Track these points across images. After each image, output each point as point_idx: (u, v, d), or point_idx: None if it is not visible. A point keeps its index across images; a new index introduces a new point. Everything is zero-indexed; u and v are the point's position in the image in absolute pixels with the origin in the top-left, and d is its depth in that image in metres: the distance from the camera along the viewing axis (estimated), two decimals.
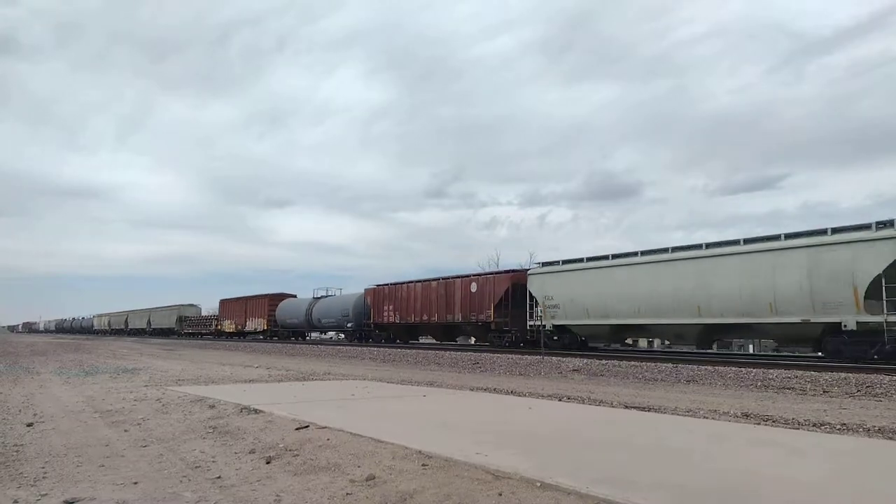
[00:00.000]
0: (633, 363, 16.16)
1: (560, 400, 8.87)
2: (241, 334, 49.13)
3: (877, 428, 6.50)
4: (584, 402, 8.56)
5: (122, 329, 76.83)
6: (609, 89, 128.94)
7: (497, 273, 27.03)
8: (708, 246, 18.54)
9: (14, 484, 4.15)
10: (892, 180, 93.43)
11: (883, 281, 14.46)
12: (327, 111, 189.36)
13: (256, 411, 7.06)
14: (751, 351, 21.81)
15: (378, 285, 33.78)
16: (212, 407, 7.59)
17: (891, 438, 5.92)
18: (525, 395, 9.48)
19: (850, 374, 12.32)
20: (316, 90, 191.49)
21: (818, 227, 16.22)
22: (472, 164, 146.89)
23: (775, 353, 21.43)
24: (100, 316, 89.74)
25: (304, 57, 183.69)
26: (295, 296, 45.73)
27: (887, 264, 14.45)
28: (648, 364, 15.73)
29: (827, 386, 11.40)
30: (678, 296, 18.60)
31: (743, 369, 13.95)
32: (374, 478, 4.03)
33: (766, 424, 6.67)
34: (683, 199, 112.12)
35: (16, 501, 3.75)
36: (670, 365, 15.29)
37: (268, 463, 4.61)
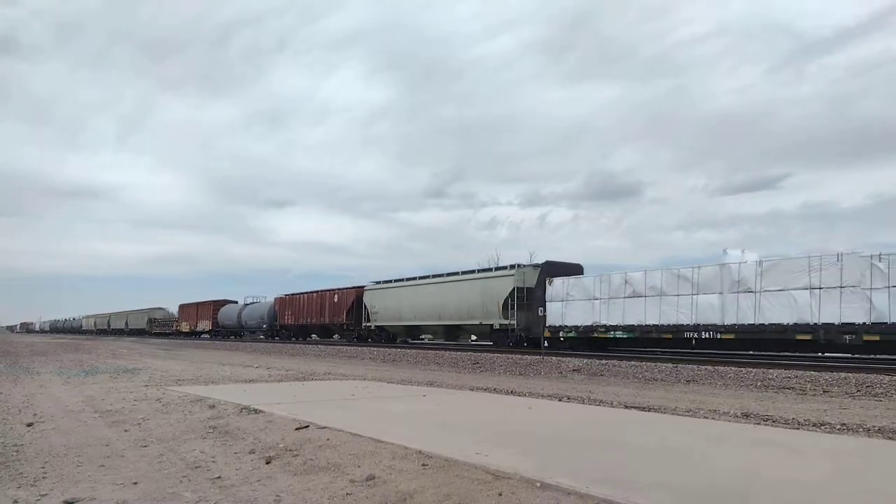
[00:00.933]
0: (633, 363, 16.16)
1: (560, 400, 8.87)
2: (194, 333, 56.99)
3: (877, 428, 6.50)
4: (584, 402, 8.56)
5: (106, 329, 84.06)
6: (610, 89, 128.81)
7: (349, 288, 36.50)
8: (447, 275, 29.81)
9: (14, 484, 4.15)
10: (893, 180, 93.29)
11: (508, 300, 24.89)
12: (327, 111, 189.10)
13: (256, 411, 7.06)
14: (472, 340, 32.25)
15: (284, 295, 43.53)
16: (212, 407, 7.59)
17: (891, 438, 5.92)
18: (525, 395, 9.48)
19: (850, 374, 12.32)
20: (316, 90, 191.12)
21: (493, 266, 30.57)
22: (472, 164, 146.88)
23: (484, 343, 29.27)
24: (87, 317, 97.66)
25: (304, 57, 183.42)
26: (236, 302, 54.42)
27: (510, 290, 24.90)
28: (648, 364, 15.73)
29: (827, 386, 11.40)
30: (432, 307, 29.86)
31: (743, 369, 13.95)
32: (374, 478, 4.04)
33: (766, 424, 6.67)
34: (684, 199, 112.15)
35: (16, 501, 3.75)
36: (670, 365, 15.29)
37: (268, 463, 4.61)
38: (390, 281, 33.42)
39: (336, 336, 38.36)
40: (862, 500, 3.57)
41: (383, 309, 32.79)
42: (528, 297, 24.28)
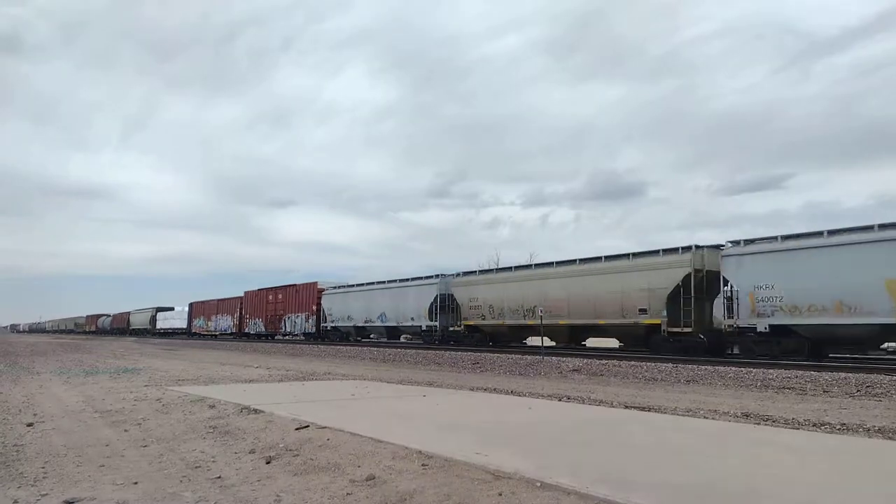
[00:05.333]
0: (633, 363, 16.15)
1: (560, 400, 8.87)
2: (92, 332, 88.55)
3: (877, 428, 6.50)
4: (584, 402, 8.56)
5: (57, 329, 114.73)
6: (615, 89, 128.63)
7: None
8: (151, 308, 69.76)
9: (14, 484, 4.15)
10: None
11: (150, 322, 68.11)
12: (332, 111, 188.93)
13: (256, 411, 7.06)
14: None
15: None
16: (212, 407, 7.59)
17: (891, 438, 5.92)
18: (525, 395, 9.48)
19: (850, 374, 12.32)
20: (321, 90, 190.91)
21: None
22: (475, 164, 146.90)
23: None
24: (49, 321, 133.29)
25: (309, 56, 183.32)
26: (108, 315, 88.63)
27: (149, 317, 68.80)
28: (648, 364, 15.72)
29: (827, 386, 11.40)
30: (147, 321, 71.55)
31: (743, 369, 13.94)
32: (374, 478, 4.04)
33: (766, 424, 6.66)
34: (686, 199, 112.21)
35: (16, 501, 3.75)
36: (670, 365, 15.28)
37: (268, 463, 4.61)
38: (146, 309, 68.01)
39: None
40: (862, 500, 3.57)
41: (138, 321, 67.27)
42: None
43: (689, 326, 18.36)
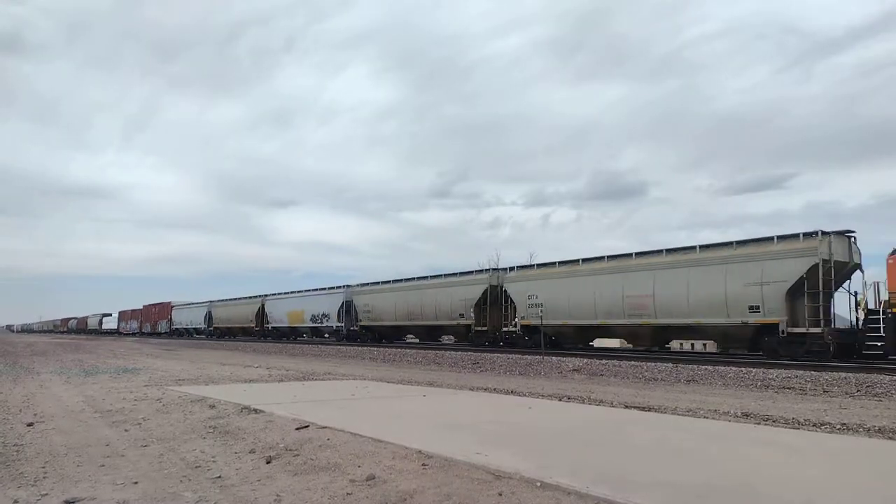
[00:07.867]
0: (633, 363, 16.15)
1: (560, 400, 8.87)
2: (65, 331, 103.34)
3: (877, 428, 6.50)
4: (584, 402, 8.56)
5: (44, 330, 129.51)
6: (616, 88, 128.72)
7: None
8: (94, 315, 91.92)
9: (14, 484, 4.15)
10: None
11: (98, 324, 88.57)
12: (334, 111, 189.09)
13: (257, 411, 7.06)
14: None
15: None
16: (212, 407, 7.59)
17: (891, 438, 5.92)
18: (525, 395, 9.48)
19: (850, 374, 12.33)
20: (323, 90, 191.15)
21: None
22: (477, 164, 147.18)
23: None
24: (38, 322, 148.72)
25: (311, 56, 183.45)
26: (75, 318, 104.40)
27: (98, 320, 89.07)
28: (648, 364, 15.72)
29: (827, 386, 11.40)
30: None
31: (743, 369, 13.95)
32: (374, 478, 4.04)
33: (766, 424, 6.67)
34: (688, 198, 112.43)
35: (16, 501, 3.75)
36: (670, 365, 15.29)
37: (268, 463, 4.61)
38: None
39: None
40: (862, 500, 3.57)
41: (92, 323, 77.04)
42: None
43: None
